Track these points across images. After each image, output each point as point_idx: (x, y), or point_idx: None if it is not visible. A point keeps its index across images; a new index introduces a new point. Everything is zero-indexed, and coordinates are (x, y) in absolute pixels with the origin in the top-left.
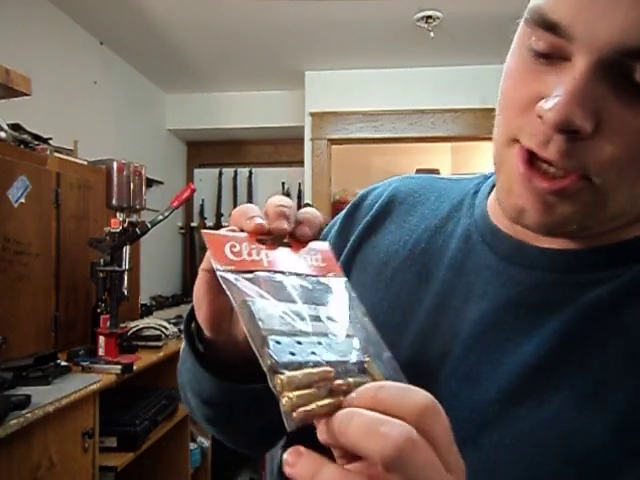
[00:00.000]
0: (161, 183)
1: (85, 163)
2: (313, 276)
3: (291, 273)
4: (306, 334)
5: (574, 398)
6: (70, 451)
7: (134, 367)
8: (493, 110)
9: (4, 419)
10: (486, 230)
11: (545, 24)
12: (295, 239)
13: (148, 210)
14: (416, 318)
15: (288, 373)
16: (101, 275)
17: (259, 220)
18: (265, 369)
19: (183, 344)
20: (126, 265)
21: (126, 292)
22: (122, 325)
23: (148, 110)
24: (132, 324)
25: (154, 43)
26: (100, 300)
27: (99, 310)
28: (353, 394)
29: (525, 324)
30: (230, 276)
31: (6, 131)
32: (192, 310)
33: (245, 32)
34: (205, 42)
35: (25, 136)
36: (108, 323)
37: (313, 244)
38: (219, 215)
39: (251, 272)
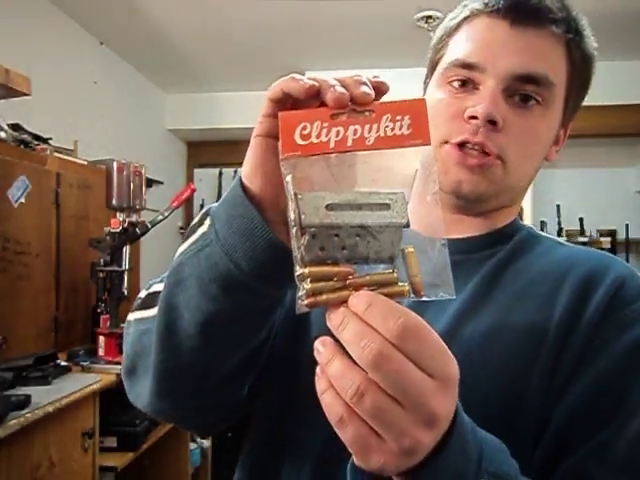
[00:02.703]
0: (161, 183)
1: (85, 163)
2: (389, 148)
3: (361, 149)
4: (348, 227)
5: (490, 321)
6: (70, 451)
7: None
8: None
9: (4, 419)
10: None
11: (465, 65)
12: (377, 100)
13: (148, 210)
14: None
15: (311, 268)
16: (101, 275)
17: (341, 89)
18: (295, 260)
19: (200, 231)
20: (126, 265)
21: (126, 292)
22: (122, 325)
23: (148, 110)
24: None
25: (154, 43)
26: (100, 300)
27: (99, 310)
28: (353, 299)
29: None
30: (292, 166)
31: (6, 131)
32: (240, 182)
33: (245, 32)
34: (205, 42)
35: (25, 136)
36: (108, 323)
37: (402, 102)
38: None
39: (316, 156)
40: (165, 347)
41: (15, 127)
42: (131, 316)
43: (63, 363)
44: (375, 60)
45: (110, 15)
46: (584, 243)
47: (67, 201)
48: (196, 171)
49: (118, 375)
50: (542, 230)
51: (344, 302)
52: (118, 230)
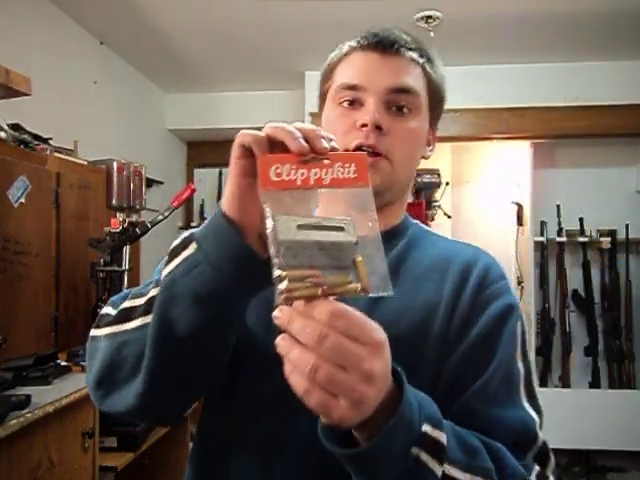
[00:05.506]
0: (161, 183)
1: (85, 163)
2: (339, 186)
3: (320, 187)
4: (314, 242)
5: (398, 300)
6: (70, 451)
7: None
8: (493, 109)
9: (4, 419)
10: None
11: (350, 87)
12: (332, 153)
13: (148, 210)
14: None
15: (288, 271)
16: (101, 275)
17: (303, 142)
18: (274, 266)
19: (185, 254)
20: (126, 265)
21: None
22: None
23: (148, 110)
24: None
25: (154, 43)
26: (100, 300)
27: (99, 310)
28: (295, 304)
29: None
30: (268, 196)
31: (6, 131)
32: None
33: (245, 32)
34: (205, 42)
35: (25, 136)
36: None
37: (349, 154)
38: None
39: (287, 190)
40: (158, 353)
41: (15, 127)
42: (98, 332)
43: (63, 363)
44: None
45: (110, 15)
46: (584, 243)
47: (67, 201)
48: (196, 171)
49: None
50: (542, 230)
51: (312, 297)
52: (118, 230)
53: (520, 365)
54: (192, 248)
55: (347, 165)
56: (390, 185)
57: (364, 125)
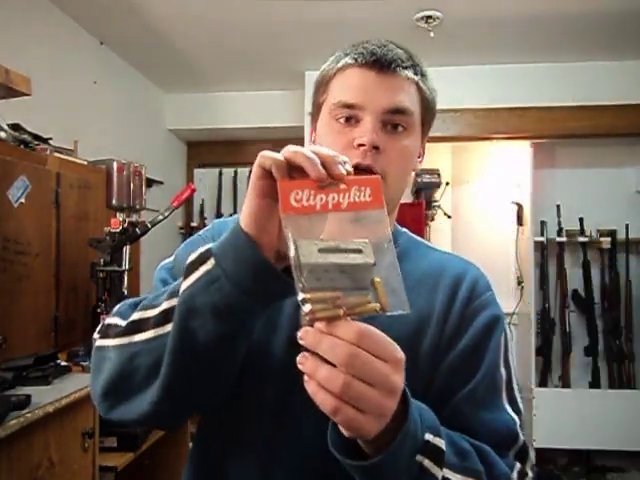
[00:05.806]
0: (161, 183)
1: (85, 163)
2: (356, 210)
3: (338, 211)
4: (335, 265)
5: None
6: (70, 451)
7: None
8: (495, 110)
9: (4, 419)
10: None
11: (347, 105)
12: (348, 177)
13: (148, 210)
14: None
15: (311, 294)
16: (101, 275)
17: (322, 170)
18: (298, 289)
19: (203, 269)
20: (126, 265)
21: (126, 292)
22: None
23: (148, 110)
24: None
25: (154, 43)
26: (100, 300)
27: (99, 310)
28: (318, 325)
29: None
30: (289, 220)
31: (6, 131)
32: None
33: (245, 32)
34: (205, 42)
35: (25, 136)
36: None
37: (364, 178)
38: (219, 215)
39: (306, 215)
40: (176, 364)
41: (15, 127)
42: (106, 342)
43: (63, 363)
44: None
45: (110, 15)
46: (584, 243)
47: (67, 201)
48: (196, 171)
49: None
50: (542, 230)
51: (334, 318)
52: (118, 230)
53: (503, 372)
54: (210, 264)
55: (363, 189)
56: (385, 202)
57: (362, 145)
